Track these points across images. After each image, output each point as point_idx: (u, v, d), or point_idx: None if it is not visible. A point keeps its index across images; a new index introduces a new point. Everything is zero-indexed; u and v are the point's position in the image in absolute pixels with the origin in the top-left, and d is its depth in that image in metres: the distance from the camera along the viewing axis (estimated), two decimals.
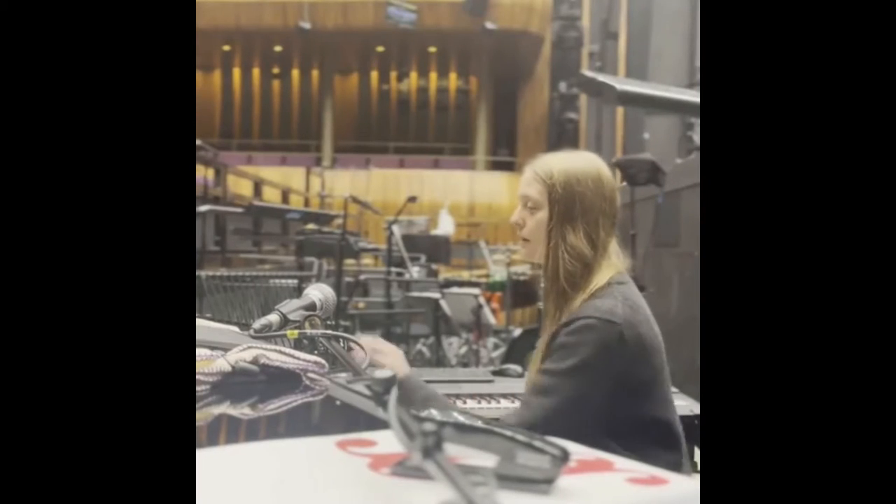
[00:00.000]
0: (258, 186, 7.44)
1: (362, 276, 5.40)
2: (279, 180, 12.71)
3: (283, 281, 4.19)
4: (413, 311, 4.68)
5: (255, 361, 0.91)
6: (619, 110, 11.26)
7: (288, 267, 5.37)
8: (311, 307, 0.89)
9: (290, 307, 0.85)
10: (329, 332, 0.69)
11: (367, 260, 8.47)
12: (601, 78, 0.69)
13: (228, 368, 0.89)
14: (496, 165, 16.29)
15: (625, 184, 3.33)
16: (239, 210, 3.19)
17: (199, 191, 5.26)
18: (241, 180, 7.59)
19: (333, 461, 0.57)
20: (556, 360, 1.18)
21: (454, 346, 5.50)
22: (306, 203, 10.22)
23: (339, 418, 0.91)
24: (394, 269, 4.92)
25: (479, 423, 0.51)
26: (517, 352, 3.02)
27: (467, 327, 5.31)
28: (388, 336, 4.59)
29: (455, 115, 18.13)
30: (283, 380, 0.93)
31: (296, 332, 0.76)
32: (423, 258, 6.45)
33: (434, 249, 7.25)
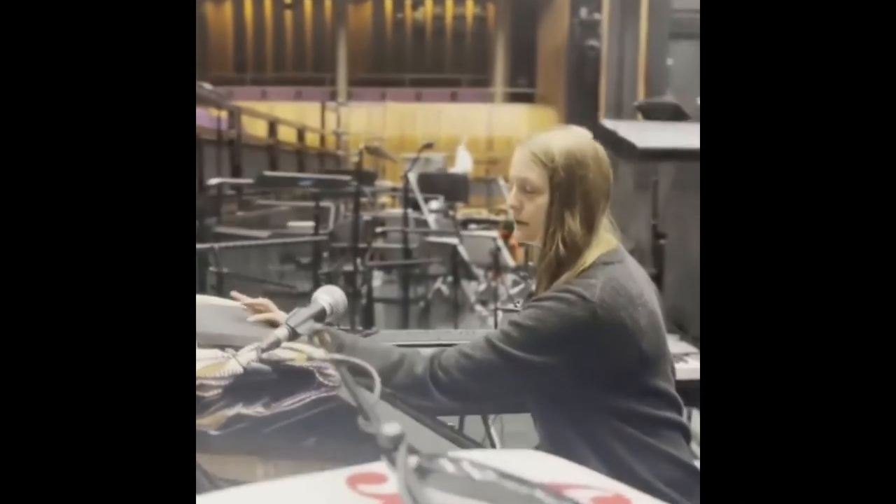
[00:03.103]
0: (273, 126, 7.36)
1: (380, 230, 5.37)
2: (294, 116, 12.58)
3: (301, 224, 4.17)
4: (430, 260, 4.67)
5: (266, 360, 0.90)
6: (642, 36, 10.91)
7: (305, 211, 5.35)
8: (321, 315, 0.87)
9: (299, 318, 0.83)
10: (337, 357, 0.67)
11: (384, 199, 8.44)
12: (621, 133, 0.64)
13: (240, 370, 0.88)
14: (515, 97, 15.95)
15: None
16: (249, 181, 3.15)
17: (213, 135, 5.21)
18: (257, 121, 7.51)
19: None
20: (519, 321, 1.16)
21: (472, 284, 5.52)
22: (322, 141, 10.12)
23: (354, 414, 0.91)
24: (411, 215, 4.87)
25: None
26: None
27: (486, 267, 5.34)
28: (408, 277, 4.61)
29: (472, 43, 17.65)
30: (296, 377, 0.92)
31: (304, 355, 0.74)
32: (440, 198, 6.41)
33: (452, 188, 7.21)
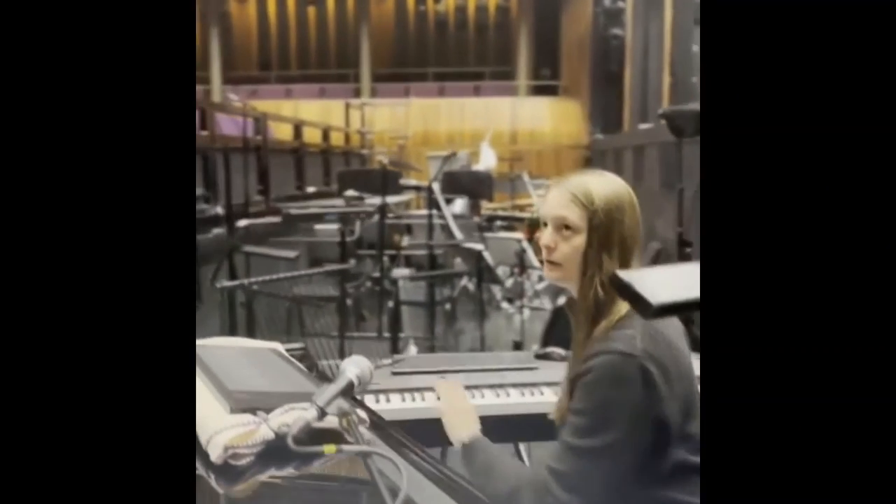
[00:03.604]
0: (298, 129, 7.41)
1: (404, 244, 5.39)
2: (319, 114, 12.63)
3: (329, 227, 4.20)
4: (455, 271, 4.68)
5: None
6: (667, 23, 10.73)
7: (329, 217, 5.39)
8: (349, 388, 0.88)
9: (327, 397, 0.85)
10: (367, 448, 0.69)
11: (409, 196, 8.45)
12: (636, 288, 0.65)
13: (272, 436, 0.90)
14: (538, 90, 15.84)
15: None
16: (276, 220, 3.19)
17: (239, 142, 5.27)
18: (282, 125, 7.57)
19: None
20: (582, 406, 1.15)
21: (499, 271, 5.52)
22: (347, 139, 10.16)
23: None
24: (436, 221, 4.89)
25: None
26: (559, 326, 3.00)
27: (511, 266, 5.35)
28: (433, 268, 4.63)
29: (495, 34, 17.54)
30: (326, 437, 0.94)
31: (333, 447, 0.76)
32: (464, 199, 6.40)
33: (476, 186, 7.18)
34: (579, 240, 1.20)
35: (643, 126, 7.92)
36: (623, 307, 1.18)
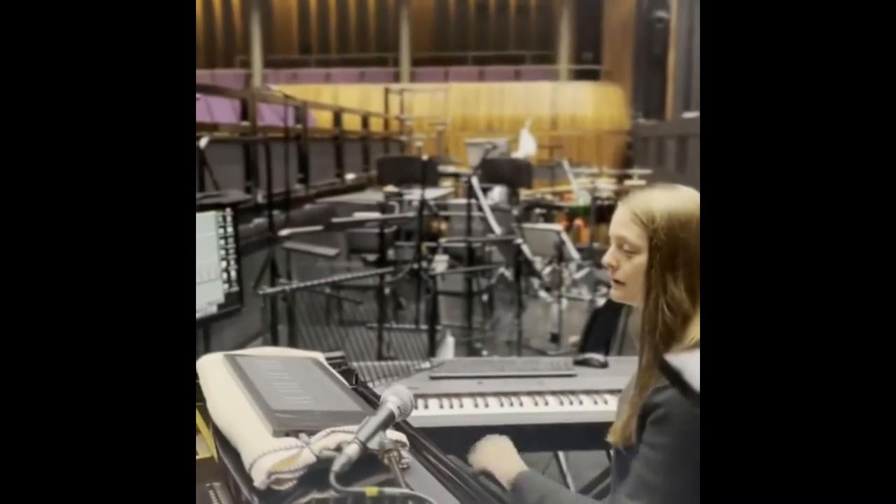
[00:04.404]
0: (338, 116, 7.44)
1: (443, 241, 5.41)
2: (358, 99, 12.66)
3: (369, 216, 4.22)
4: (491, 265, 4.67)
5: (338, 448, 0.93)
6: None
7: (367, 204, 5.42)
8: (390, 419, 0.89)
9: (369, 430, 0.85)
10: (408, 492, 0.69)
11: (447, 182, 8.44)
12: (686, 377, 0.63)
13: (313, 460, 0.91)
14: (580, 74, 15.61)
15: None
16: (317, 228, 3.21)
17: (280, 132, 5.31)
18: (323, 112, 7.61)
19: None
20: (658, 441, 1.11)
21: (538, 263, 5.50)
22: (386, 125, 10.18)
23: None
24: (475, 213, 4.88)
25: None
26: (599, 328, 2.97)
27: (550, 258, 5.32)
28: (471, 261, 4.64)
29: (536, 18, 17.31)
30: (366, 461, 0.95)
31: (375, 489, 0.76)
32: (503, 189, 6.36)
33: (515, 174, 7.14)
34: (640, 259, 1.17)
35: (687, 115, 7.74)
36: (696, 331, 1.14)
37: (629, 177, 8.41)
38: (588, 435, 1.65)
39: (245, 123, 5.19)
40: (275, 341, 2.57)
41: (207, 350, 2.33)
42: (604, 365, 1.98)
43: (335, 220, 3.00)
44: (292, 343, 2.54)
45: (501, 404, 1.76)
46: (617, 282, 1.22)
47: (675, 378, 0.52)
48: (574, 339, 4.56)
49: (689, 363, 0.52)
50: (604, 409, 1.72)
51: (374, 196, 6.13)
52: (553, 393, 1.80)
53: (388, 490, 0.76)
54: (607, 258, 1.22)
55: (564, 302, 5.25)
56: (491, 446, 1.40)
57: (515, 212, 5.74)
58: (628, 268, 1.19)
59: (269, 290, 2.19)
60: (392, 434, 0.92)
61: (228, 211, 2.04)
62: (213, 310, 2.03)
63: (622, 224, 1.20)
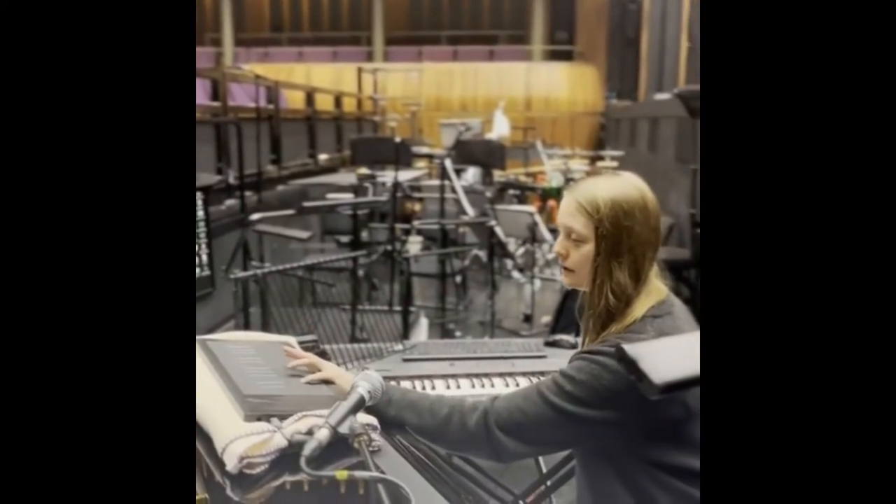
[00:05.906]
0: (310, 96, 7.37)
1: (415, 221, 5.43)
2: (331, 78, 12.51)
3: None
4: (465, 247, 4.68)
5: (310, 432, 0.95)
6: None
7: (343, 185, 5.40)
8: (360, 404, 0.90)
9: (339, 415, 0.87)
10: (377, 475, 0.70)
11: (420, 163, 8.43)
12: (642, 366, 0.64)
13: (285, 444, 0.93)
14: (554, 55, 15.59)
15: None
16: (289, 212, 3.19)
17: (251, 113, 5.25)
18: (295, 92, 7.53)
19: None
20: (572, 374, 1.14)
21: (511, 245, 5.54)
22: (359, 105, 10.09)
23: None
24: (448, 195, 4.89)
25: None
26: (570, 309, 3.01)
27: (523, 240, 5.36)
28: (444, 243, 4.67)
29: None
30: (337, 444, 0.96)
31: (345, 472, 0.78)
32: (476, 171, 6.37)
33: (489, 156, 7.13)
34: (588, 248, 1.20)
35: (659, 97, 7.79)
36: (637, 312, 1.19)
37: (602, 158, 8.47)
38: None
39: (216, 104, 5.12)
40: (247, 324, 2.57)
41: None
42: (574, 346, 2.02)
43: (307, 203, 2.99)
44: (265, 326, 2.54)
45: (473, 385, 1.79)
46: (567, 269, 1.25)
47: (631, 367, 0.53)
48: (546, 319, 4.61)
49: (645, 351, 0.53)
50: None
51: (347, 178, 6.09)
52: (524, 374, 1.83)
53: (359, 473, 0.77)
54: (557, 247, 1.26)
55: (537, 283, 5.29)
56: (317, 366, 1.31)
57: (489, 193, 5.76)
58: (577, 256, 1.22)
59: (241, 273, 2.18)
60: (362, 418, 0.94)
61: (199, 195, 2.03)
62: None
63: (569, 214, 1.23)
